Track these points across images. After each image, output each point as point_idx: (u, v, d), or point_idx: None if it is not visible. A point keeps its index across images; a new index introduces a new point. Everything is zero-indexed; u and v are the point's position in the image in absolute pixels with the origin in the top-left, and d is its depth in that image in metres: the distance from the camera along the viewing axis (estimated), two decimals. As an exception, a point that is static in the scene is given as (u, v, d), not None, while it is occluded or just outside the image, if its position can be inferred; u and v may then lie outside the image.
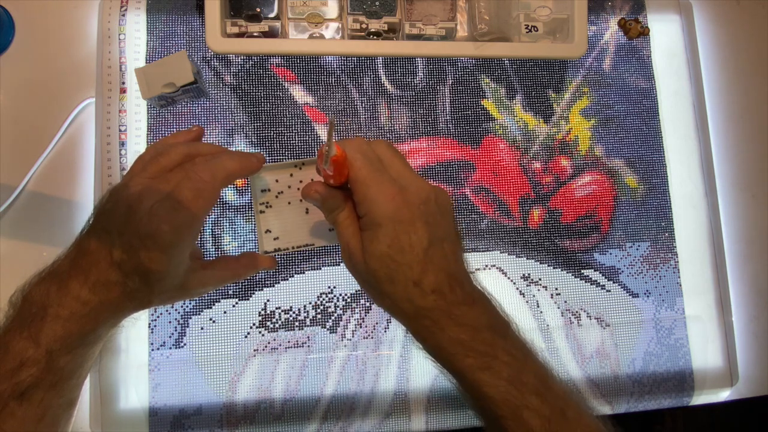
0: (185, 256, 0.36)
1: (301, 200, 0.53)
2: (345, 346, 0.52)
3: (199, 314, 0.51)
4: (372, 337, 0.53)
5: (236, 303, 0.52)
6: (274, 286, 0.53)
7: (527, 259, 0.56)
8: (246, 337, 0.51)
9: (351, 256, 0.33)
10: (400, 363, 0.53)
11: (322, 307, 0.53)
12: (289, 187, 0.53)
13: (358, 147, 0.33)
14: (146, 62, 0.53)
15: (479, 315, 0.32)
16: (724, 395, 0.58)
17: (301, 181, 0.53)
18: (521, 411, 0.31)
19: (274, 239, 0.52)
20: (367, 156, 0.33)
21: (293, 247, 0.53)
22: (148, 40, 0.54)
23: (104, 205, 0.35)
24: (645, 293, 0.57)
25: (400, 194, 0.31)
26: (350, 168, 0.32)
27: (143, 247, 0.33)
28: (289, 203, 0.53)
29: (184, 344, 0.51)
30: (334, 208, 0.35)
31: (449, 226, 0.33)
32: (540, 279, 0.56)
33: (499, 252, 0.56)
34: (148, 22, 0.54)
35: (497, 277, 0.55)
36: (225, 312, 0.52)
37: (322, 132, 0.55)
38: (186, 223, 0.34)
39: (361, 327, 0.53)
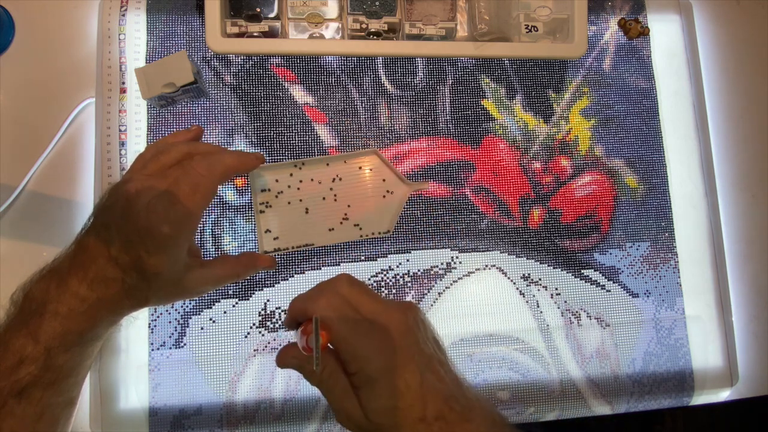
0: (183, 251, 0.36)
1: (300, 200, 0.53)
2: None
3: (199, 314, 0.51)
4: (372, 337, 0.53)
5: (236, 303, 0.52)
6: (274, 286, 0.53)
7: (527, 259, 0.56)
8: (246, 337, 0.51)
9: (350, 416, 0.32)
10: (400, 363, 0.53)
11: (322, 307, 0.53)
12: (289, 187, 0.53)
13: (329, 306, 0.32)
14: (146, 62, 0.53)
15: (479, 426, 0.32)
16: (724, 395, 0.58)
17: (301, 181, 0.53)
18: None
19: (274, 239, 0.52)
20: (341, 312, 0.32)
21: (293, 247, 0.53)
22: (148, 40, 0.54)
23: (104, 201, 0.35)
24: (645, 293, 0.57)
25: (385, 341, 0.31)
26: (329, 330, 0.31)
27: (141, 242, 0.33)
28: (288, 203, 0.53)
29: (184, 344, 0.51)
30: (313, 373, 0.33)
31: (431, 342, 0.33)
32: (540, 279, 0.56)
33: (499, 252, 0.56)
34: (148, 22, 0.54)
35: (497, 277, 0.55)
36: (225, 312, 0.52)
37: (322, 132, 0.55)
38: (183, 217, 0.34)
39: (361, 327, 0.53)
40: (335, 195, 0.53)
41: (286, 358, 0.33)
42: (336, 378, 0.32)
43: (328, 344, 0.32)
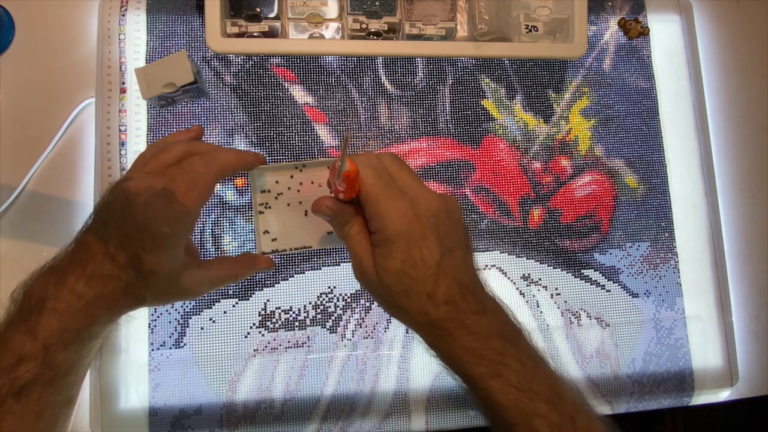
0: (180, 249, 0.36)
1: (300, 202, 0.53)
2: (345, 346, 0.52)
3: (199, 314, 0.51)
4: (372, 337, 0.53)
5: (236, 303, 0.52)
6: (274, 286, 0.53)
7: (527, 259, 0.56)
8: (246, 337, 0.52)
9: (364, 272, 0.33)
10: (400, 363, 0.53)
11: (322, 307, 0.53)
12: (289, 188, 0.53)
13: (367, 162, 0.33)
14: (146, 62, 0.53)
15: (490, 323, 0.32)
16: (724, 395, 0.58)
17: (301, 183, 0.53)
18: (531, 418, 0.31)
19: (273, 240, 0.52)
20: (377, 171, 0.33)
21: (291, 249, 0.53)
22: (148, 40, 0.54)
23: (104, 199, 0.35)
24: (645, 293, 0.57)
25: (411, 209, 0.32)
26: (361, 184, 0.32)
27: (138, 239, 0.33)
28: (288, 205, 0.53)
29: (184, 344, 0.51)
30: (344, 223, 0.35)
31: (459, 235, 0.34)
32: (540, 279, 0.56)
33: (499, 252, 0.56)
34: (148, 22, 0.54)
35: (497, 277, 0.55)
36: (225, 312, 0.52)
37: (322, 132, 0.55)
38: (180, 214, 0.34)
39: (361, 327, 0.53)
40: None
41: (321, 206, 0.35)
42: (361, 236, 0.34)
43: (356, 196, 0.33)
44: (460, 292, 0.32)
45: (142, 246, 0.33)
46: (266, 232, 0.52)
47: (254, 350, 0.51)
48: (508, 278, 0.56)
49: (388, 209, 0.31)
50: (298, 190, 0.53)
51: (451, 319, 0.32)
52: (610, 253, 0.57)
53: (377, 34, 0.54)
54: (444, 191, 0.56)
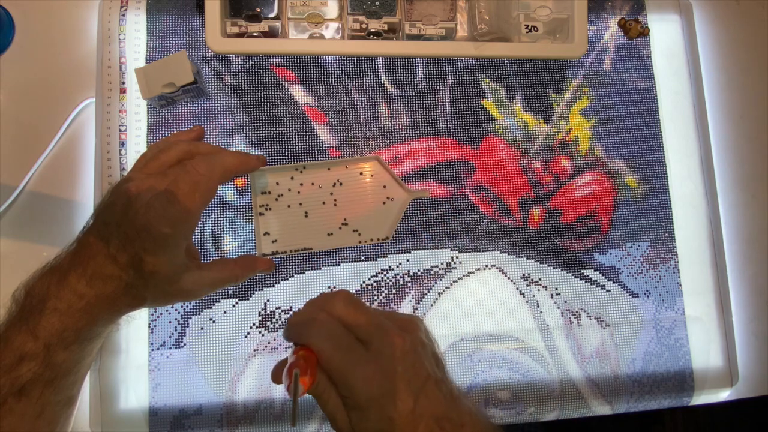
0: (181, 250, 0.36)
1: (300, 204, 0.53)
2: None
3: (199, 314, 0.51)
4: (372, 337, 0.53)
5: (236, 303, 0.52)
6: (274, 286, 0.53)
7: (527, 259, 0.56)
8: (246, 337, 0.52)
9: (341, 429, 0.32)
10: (400, 363, 0.53)
11: (322, 307, 0.53)
12: (289, 190, 0.53)
13: (322, 332, 0.32)
14: (146, 62, 0.53)
15: None
16: (724, 395, 0.58)
17: (301, 184, 0.53)
18: None
19: (273, 242, 0.52)
20: (334, 338, 0.32)
21: (291, 250, 0.53)
22: (148, 40, 0.54)
23: (105, 200, 0.36)
24: (645, 293, 0.57)
25: (377, 370, 0.31)
26: (320, 358, 0.31)
27: (139, 239, 0.33)
28: (288, 206, 0.53)
29: (184, 344, 0.51)
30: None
31: (429, 366, 0.33)
32: (540, 279, 0.56)
33: (499, 252, 0.56)
34: (148, 22, 0.54)
35: (497, 277, 0.55)
36: (225, 312, 0.52)
37: (322, 132, 0.55)
38: (181, 215, 0.34)
39: (361, 327, 0.53)
40: (335, 200, 0.53)
41: (280, 375, 0.33)
42: (329, 394, 0.32)
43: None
44: (438, 423, 0.32)
45: (143, 247, 0.33)
46: (266, 233, 0.52)
47: (254, 350, 0.51)
48: (508, 278, 0.56)
49: (353, 379, 0.31)
50: (299, 192, 0.53)
51: None
52: (610, 253, 0.57)
53: (377, 34, 0.54)
54: (444, 191, 0.56)
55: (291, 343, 0.33)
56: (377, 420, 0.31)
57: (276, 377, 0.33)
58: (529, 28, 0.54)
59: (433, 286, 0.54)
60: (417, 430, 0.31)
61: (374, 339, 0.32)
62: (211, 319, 0.51)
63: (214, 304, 0.52)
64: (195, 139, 0.41)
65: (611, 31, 0.61)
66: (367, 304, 0.54)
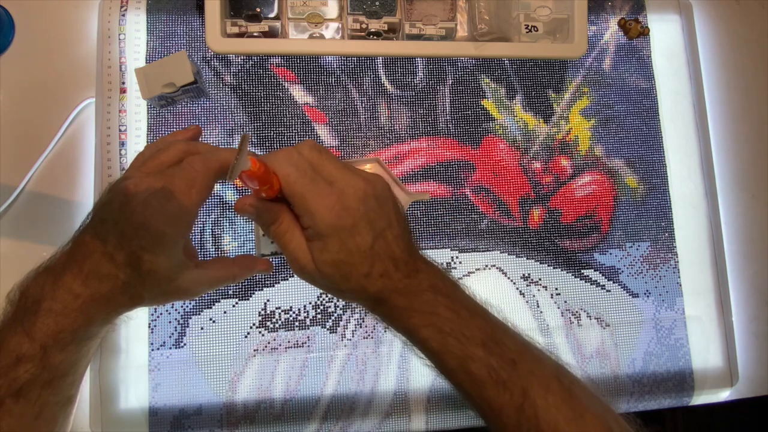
0: (178, 248, 0.36)
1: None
2: (345, 345, 0.52)
3: (199, 314, 0.51)
4: (372, 337, 0.53)
5: (236, 303, 0.52)
6: (274, 286, 0.53)
7: (527, 259, 0.56)
8: (246, 337, 0.52)
9: (303, 268, 0.34)
10: (400, 363, 0.53)
11: (322, 307, 0.53)
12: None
13: (287, 159, 0.33)
14: (146, 62, 0.53)
15: (420, 282, 0.34)
16: (724, 395, 0.58)
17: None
18: (466, 362, 0.33)
19: (272, 242, 0.52)
20: (299, 167, 0.33)
21: None
22: (148, 40, 0.54)
23: (102, 198, 0.35)
24: (645, 293, 0.57)
25: (339, 201, 0.33)
26: (283, 182, 0.33)
27: (136, 237, 0.33)
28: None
29: (184, 344, 0.51)
30: (270, 222, 0.35)
31: (389, 214, 0.35)
32: (540, 279, 0.56)
33: (499, 252, 0.56)
34: (148, 22, 0.54)
35: (497, 277, 0.55)
36: (225, 312, 0.52)
37: (322, 132, 0.55)
38: (178, 213, 0.34)
39: (361, 327, 0.53)
40: None
41: (243, 205, 0.35)
42: (291, 233, 0.34)
43: (279, 193, 0.33)
44: (394, 264, 0.34)
45: (140, 245, 0.33)
46: (265, 234, 0.52)
47: (254, 350, 0.51)
48: (508, 278, 0.56)
49: (316, 206, 0.32)
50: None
51: (386, 289, 0.34)
52: (610, 253, 0.57)
53: (377, 34, 0.54)
54: (444, 191, 0.56)
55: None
56: (337, 250, 0.33)
57: (240, 205, 0.34)
58: (529, 28, 0.54)
59: (433, 286, 0.54)
60: (374, 267, 0.33)
61: (339, 180, 0.33)
62: (211, 319, 0.51)
63: (214, 304, 0.52)
64: (192, 138, 0.41)
65: (611, 31, 0.61)
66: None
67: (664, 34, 0.62)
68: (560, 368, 0.35)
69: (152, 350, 0.50)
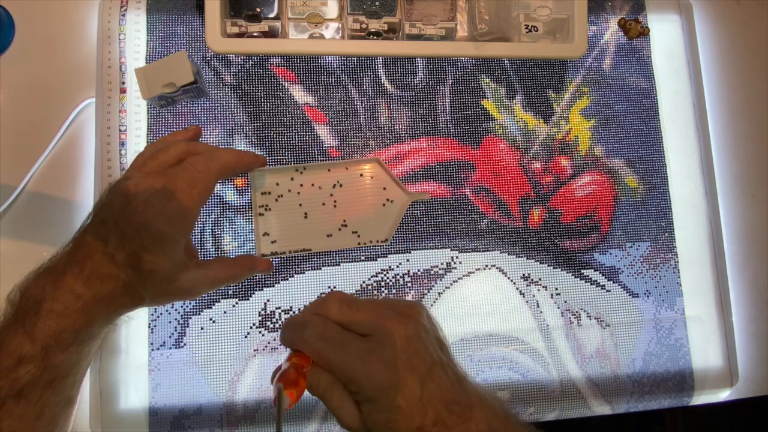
0: (179, 248, 0.36)
1: (300, 204, 0.53)
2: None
3: (199, 314, 0.51)
4: (372, 337, 0.53)
5: (236, 303, 0.52)
6: (274, 286, 0.53)
7: (527, 259, 0.56)
8: (246, 337, 0.51)
9: (350, 426, 0.32)
10: (400, 363, 0.53)
11: (322, 307, 0.53)
12: (289, 190, 0.53)
13: (314, 334, 0.31)
14: (146, 62, 0.53)
15: (479, 423, 0.32)
16: (724, 395, 0.58)
17: (301, 185, 0.53)
18: None
19: (272, 242, 0.52)
20: (328, 338, 0.31)
21: (291, 251, 0.53)
22: (148, 40, 0.54)
23: (103, 199, 0.35)
24: (645, 293, 0.57)
25: (381, 361, 0.31)
26: (318, 361, 0.31)
27: (137, 238, 0.33)
28: (288, 207, 0.53)
29: (184, 344, 0.51)
30: (312, 383, 0.32)
31: (433, 349, 0.33)
32: (540, 279, 0.56)
33: (499, 252, 0.56)
34: (148, 22, 0.54)
35: (497, 277, 0.55)
36: (225, 312, 0.52)
37: (322, 132, 0.55)
38: (179, 213, 0.34)
39: (361, 327, 0.53)
40: (335, 201, 0.53)
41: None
42: (332, 393, 0.32)
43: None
44: (447, 407, 0.31)
45: (141, 245, 0.33)
46: (266, 234, 0.52)
47: (254, 350, 0.51)
48: (508, 278, 0.56)
49: (359, 373, 0.31)
50: (298, 193, 0.53)
51: None
52: (610, 253, 0.57)
53: (377, 34, 0.54)
54: (444, 191, 0.56)
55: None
56: (386, 410, 0.31)
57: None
58: (529, 28, 0.54)
59: (433, 286, 0.54)
60: (426, 416, 0.31)
61: (375, 331, 0.32)
62: (211, 319, 0.51)
63: (214, 304, 0.52)
64: (192, 138, 0.41)
65: (611, 31, 0.61)
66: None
67: (664, 34, 0.62)
68: None
69: (152, 350, 0.50)
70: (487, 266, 0.55)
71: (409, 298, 0.54)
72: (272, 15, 0.52)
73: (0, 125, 0.52)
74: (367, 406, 0.31)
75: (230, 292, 0.52)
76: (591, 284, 0.57)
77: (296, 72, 0.55)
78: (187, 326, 0.51)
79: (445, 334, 0.36)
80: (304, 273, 0.53)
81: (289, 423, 0.51)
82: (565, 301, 0.56)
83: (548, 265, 0.56)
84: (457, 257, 0.55)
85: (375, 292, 0.53)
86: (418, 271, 0.54)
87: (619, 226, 0.58)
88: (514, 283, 0.56)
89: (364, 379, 0.31)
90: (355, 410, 0.32)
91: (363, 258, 0.54)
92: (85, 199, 0.52)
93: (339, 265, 0.54)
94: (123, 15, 0.54)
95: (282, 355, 0.52)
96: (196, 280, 0.38)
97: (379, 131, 0.56)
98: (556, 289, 0.56)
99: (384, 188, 0.54)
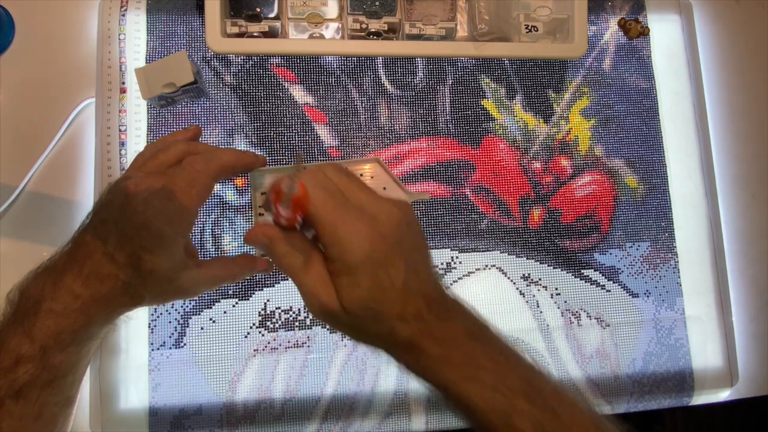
0: (179, 248, 0.36)
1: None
2: (345, 346, 0.52)
3: (199, 314, 0.51)
4: (372, 337, 0.53)
5: (236, 303, 0.52)
6: (274, 286, 0.53)
7: (527, 259, 0.56)
8: (246, 337, 0.51)
9: (324, 306, 0.30)
10: (400, 363, 0.53)
11: (322, 307, 0.53)
12: (289, 188, 0.53)
13: (315, 181, 0.30)
14: (146, 62, 0.53)
15: (456, 325, 0.31)
16: (724, 395, 0.58)
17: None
18: (511, 417, 0.30)
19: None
20: (328, 190, 0.30)
21: None
22: (148, 40, 0.54)
23: (103, 198, 0.35)
24: (645, 293, 0.57)
25: (373, 229, 0.29)
26: (311, 206, 0.29)
27: (137, 237, 0.33)
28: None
29: (184, 344, 0.51)
30: (286, 254, 0.31)
31: (420, 244, 0.32)
32: (540, 279, 0.56)
33: (499, 252, 0.56)
34: (148, 22, 0.54)
35: (497, 277, 0.55)
36: (225, 312, 0.52)
37: (322, 132, 0.55)
38: (178, 212, 0.34)
39: (361, 327, 0.53)
40: None
41: (257, 236, 0.31)
42: (312, 264, 0.30)
43: (300, 220, 0.30)
44: (426, 304, 0.31)
45: (141, 245, 0.33)
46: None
47: (254, 350, 0.51)
48: (508, 278, 0.56)
49: (348, 234, 0.29)
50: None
51: (419, 333, 0.30)
52: (610, 253, 0.57)
53: (377, 34, 0.54)
54: (444, 191, 0.56)
55: None
56: (368, 287, 0.29)
57: (253, 234, 0.31)
58: (529, 28, 0.54)
59: (433, 286, 0.54)
60: (407, 305, 0.30)
61: (370, 206, 0.30)
62: (211, 319, 0.51)
63: (214, 304, 0.52)
64: (191, 138, 0.41)
65: (611, 31, 0.61)
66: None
67: (664, 34, 0.62)
68: (594, 414, 0.32)
69: (152, 350, 0.50)
70: (487, 266, 0.55)
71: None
72: (272, 15, 0.52)
73: (0, 125, 0.52)
74: (345, 279, 0.29)
75: (230, 292, 0.52)
76: (591, 284, 0.57)
77: (296, 72, 0.55)
78: (187, 326, 0.51)
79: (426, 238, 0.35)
80: (304, 273, 0.53)
81: (289, 423, 0.51)
82: (565, 301, 0.56)
83: (548, 265, 0.56)
84: (457, 257, 0.55)
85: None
86: (418, 271, 0.54)
87: (619, 226, 0.58)
88: (514, 283, 0.56)
89: (352, 241, 0.29)
90: (332, 287, 0.30)
91: (363, 258, 0.54)
92: (85, 199, 0.52)
93: (339, 265, 0.53)
94: (123, 15, 0.54)
95: (281, 355, 0.52)
96: (196, 280, 0.38)
97: (379, 131, 0.56)
98: (556, 289, 0.56)
99: (384, 188, 0.54)
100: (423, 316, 0.30)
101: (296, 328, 0.52)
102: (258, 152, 0.54)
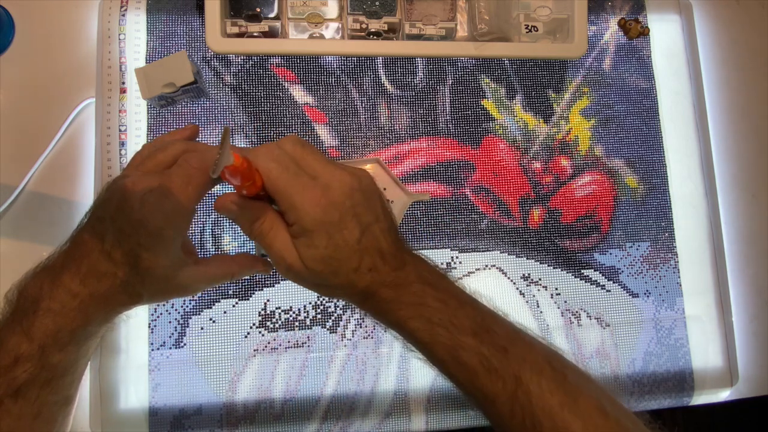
0: (176, 246, 0.36)
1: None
2: (345, 345, 0.52)
3: (199, 314, 0.51)
4: (372, 337, 0.53)
5: (236, 303, 0.52)
6: (274, 286, 0.53)
7: (527, 259, 0.56)
8: (246, 337, 0.52)
9: (289, 266, 0.33)
10: (400, 363, 0.53)
11: (322, 307, 0.53)
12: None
13: (268, 154, 0.33)
14: (146, 62, 0.53)
15: (408, 273, 0.34)
16: (724, 395, 0.58)
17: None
18: (457, 352, 0.32)
19: None
20: (281, 162, 0.33)
21: None
22: (148, 40, 0.54)
23: (100, 196, 0.35)
24: (645, 293, 0.57)
25: (324, 195, 0.32)
26: (266, 178, 0.32)
27: (134, 234, 0.33)
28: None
29: (184, 344, 0.51)
30: (253, 220, 0.34)
31: (376, 208, 0.35)
32: (540, 279, 0.56)
33: (499, 252, 0.56)
34: (148, 22, 0.54)
35: (497, 277, 0.55)
36: (225, 312, 0.52)
37: (322, 132, 0.55)
38: (176, 209, 0.34)
39: (361, 327, 0.53)
40: None
41: (225, 203, 0.34)
42: (276, 230, 0.33)
43: (261, 191, 0.33)
44: (381, 258, 0.34)
45: (138, 242, 0.33)
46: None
47: (254, 350, 0.51)
48: (508, 278, 0.56)
49: (301, 201, 0.32)
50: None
51: (374, 282, 0.33)
52: (610, 253, 0.57)
53: (377, 34, 0.54)
54: (444, 191, 0.56)
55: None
56: (324, 246, 0.32)
57: (222, 203, 0.34)
58: (529, 28, 0.54)
59: (433, 286, 0.54)
60: (362, 261, 0.33)
61: (323, 174, 0.33)
62: (211, 319, 0.51)
63: (214, 304, 0.52)
64: (189, 137, 0.41)
65: (611, 31, 0.61)
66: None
67: (664, 34, 0.62)
68: (552, 353, 0.34)
69: (152, 350, 0.50)
70: (487, 266, 0.55)
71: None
72: (272, 15, 0.52)
73: (0, 125, 0.52)
74: (303, 240, 0.32)
75: (230, 292, 0.52)
76: (591, 284, 0.57)
77: (296, 72, 0.55)
78: (187, 326, 0.51)
79: (395, 216, 0.38)
80: (304, 273, 0.53)
81: (289, 423, 0.51)
82: (565, 301, 0.56)
83: (548, 265, 0.56)
84: (457, 257, 0.55)
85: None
86: (418, 271, 0.54)
87: (619, 226, 0.58)
88: (514, 283, 0.56)
89: (306, 208, 0.32)
90: (295, 250, 0.33)
91: (363, 258, 0.54)
92: (85, 199, 0.52)
93: (339, 265, 0.54)
94: (123, 15, 0.54)
95: (281, 354, 0.52)
96: (194, 278, 0.38)
97: (379, 131, 0.56)
98: (556, 289, 0.56)
99: (384, 188, 0.54)
100: (378, 267, 0.33)
101: (296, 328, 0.52)
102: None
